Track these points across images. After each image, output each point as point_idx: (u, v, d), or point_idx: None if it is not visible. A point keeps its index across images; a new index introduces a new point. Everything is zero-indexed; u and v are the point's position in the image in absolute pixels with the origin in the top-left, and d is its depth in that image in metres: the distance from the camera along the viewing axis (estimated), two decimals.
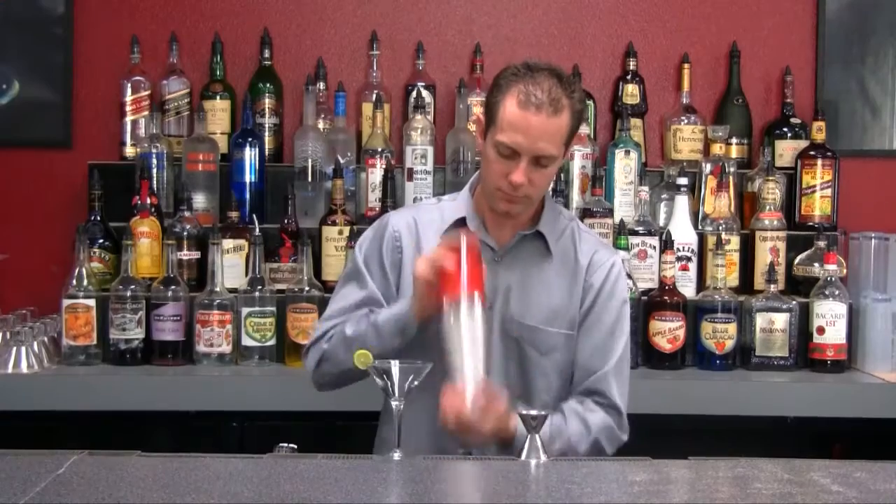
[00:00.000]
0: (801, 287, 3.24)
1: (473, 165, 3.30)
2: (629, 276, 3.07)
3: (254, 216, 3.22)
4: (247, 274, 3.12)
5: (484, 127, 2.26)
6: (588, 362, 2.29)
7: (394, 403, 1.99)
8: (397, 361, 2.00)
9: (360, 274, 2.34)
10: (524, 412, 1.98)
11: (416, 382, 2.00)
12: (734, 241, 3.24)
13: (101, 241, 3.19)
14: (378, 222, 2.42)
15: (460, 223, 2.32)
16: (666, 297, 3.10)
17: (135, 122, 3.38)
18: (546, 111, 2.14)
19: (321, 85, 3.43)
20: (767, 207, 3.25)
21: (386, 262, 2.34)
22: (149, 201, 3.16)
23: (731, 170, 3.36)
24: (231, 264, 3.13)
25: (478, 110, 3.37)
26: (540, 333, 2.29)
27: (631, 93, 3.51)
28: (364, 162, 3.29)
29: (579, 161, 3.29)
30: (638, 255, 3.17)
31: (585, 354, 2.30)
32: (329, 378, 2.34)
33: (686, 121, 3.47)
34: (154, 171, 3.26)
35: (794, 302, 3.14)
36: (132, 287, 3.05)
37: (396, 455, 1.98)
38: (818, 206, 3.36)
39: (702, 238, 3.24)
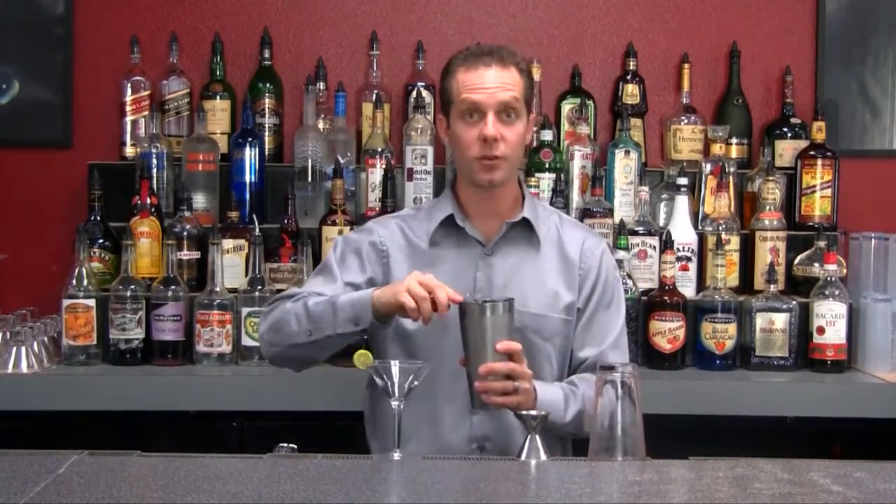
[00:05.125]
0: (801, 287, 3.24)
1: None
2: (629, 276, 3.08)
3: (254, 216, 3.22)
4: (247, 274, 3.12)
5: (445, 120, 2.34)
6: (590, 342, 2.35)
7: (394, 403, 2.00)
8: (397, 362, 2.01)
9: (331, 271, 2.35)
10: (524, 412, 1.99)
11: (416, 383, 2.01)
12: (734, 241, 3.24)
13: (101, 241, 3.19)
14: (361, 229, 2.45)
15: (449, 221, 2.35)
16: (666, 297, 3.10)
17: (135, 122, 3.38)
18: (495, 63, 2.27)
19: (321, 85, 3.43)
20: (767, 207, 3.25)
21: (367, 267, 2.35)
22: (149, 201, 3.16)
23: (731, 170, 3.36)
24: (231, 264, 3.13)
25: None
26: (543, 320, 2.33)
27: (631, 93, 3.51)
28: (364, 162, 3.29)
29: (579, 161, 3.29)
30: (638, 255, 3.17)
31: (587, 336, 2.36)
32: (277, 350, 2.32)
33: (686, 121, 3.47)
34: (154, 171, 3.26)
35: (794, 302, 3.13)
36: (132, 287, 3.05)
37: (396, 455, 1.98)
38: (818, 206, 3.35)
39: (702, 238, 3.24)
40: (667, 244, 3.10)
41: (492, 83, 2.25)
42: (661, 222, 3.33)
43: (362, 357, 2.07)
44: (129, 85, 3.39)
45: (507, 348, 2.09)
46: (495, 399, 2.10)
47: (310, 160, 3.29)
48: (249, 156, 3.29)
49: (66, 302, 3.03)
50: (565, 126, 3.45)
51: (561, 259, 2.37)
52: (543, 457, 1.95)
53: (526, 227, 2.36)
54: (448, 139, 2.37)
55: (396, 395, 1.99)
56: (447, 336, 2.21)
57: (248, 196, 3.28)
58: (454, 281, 2.31)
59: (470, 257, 2.35)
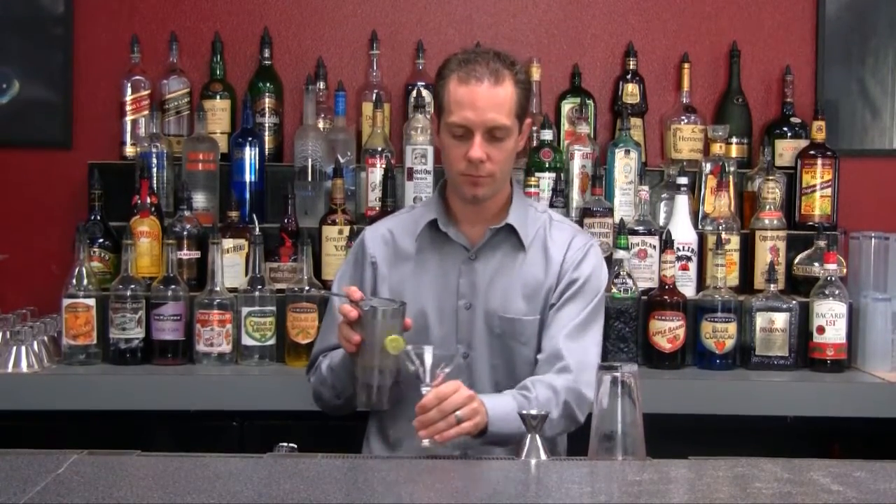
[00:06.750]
0: (801, 287, 3.24)
1: None
2: (629, 276, 3.07)
3: (254, 216, 3.22)
4: (247, 273, 3.12)
5: (437, 122, 2.32)
6: (550, 335, 2.32)
7: (424, 389, 2.03)
8: (430, 347, 2.05)
9: (333, 315, 2.37)
10: (524, 412, 1.99)
11: (447, 370, 2.02)
12: (734, 241, 3.23)
13: (101, 240, 3.19)
14: (355, 244, 2.49)
15: (432, 225, 2.36)
16: (666, 297, 3.10)
17: (135, 122, 3.38)
18: (487, 81, 2.22)
19: (321, 84, 3.43)
20: (767, 207, 3.25)
21: (361, 279, 2.40)
22: (149, 201, 3.17)
23: (731, 169, 3.36)
24: (231, 264, 3.13)
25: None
26: (517, 324, 2.33)
27: (631, 92, 3.51)
28: (364, 161, 3.29)
29: (579, 160, 3.30)
30: (638, 254, 3.17)
31: (552, 330, 2.33)
32: (332, 412, 2.46)
33: (686, 120, 3.47)
34: (154, 170, 3.26)
35: (794, 301, 3.13)
36: (132, 287, 3.05)
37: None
38: (818, 205, 3.35)
39: (702, 237, 3.24)
40: (667, 244, 3.10)
41: (482, 103, 2.22)
42: (661, 222, 3.33)
43: (394, 342, 2.08)
44: (129, 85, 3.39)
45: (425, 403, 2.04)
46: (445, 435, 2.06)
47: (310, 160, 3.29)
48: (249, 155, 3.29)
49: (66, 301, 3.03)
50: (565, 125, 3.45)
51: (545, 262, 2.36)
52: (543, 457, 1.95)
53: (512, 231, 2.36)
54: (439, 143, 2.36)
55: (428, 380, 2.03)
56: (429, 342, 2.23)
57: (248, 196, 3.28)
58: (437, 285, 2.33)
59: (454, 262, 2.35)
